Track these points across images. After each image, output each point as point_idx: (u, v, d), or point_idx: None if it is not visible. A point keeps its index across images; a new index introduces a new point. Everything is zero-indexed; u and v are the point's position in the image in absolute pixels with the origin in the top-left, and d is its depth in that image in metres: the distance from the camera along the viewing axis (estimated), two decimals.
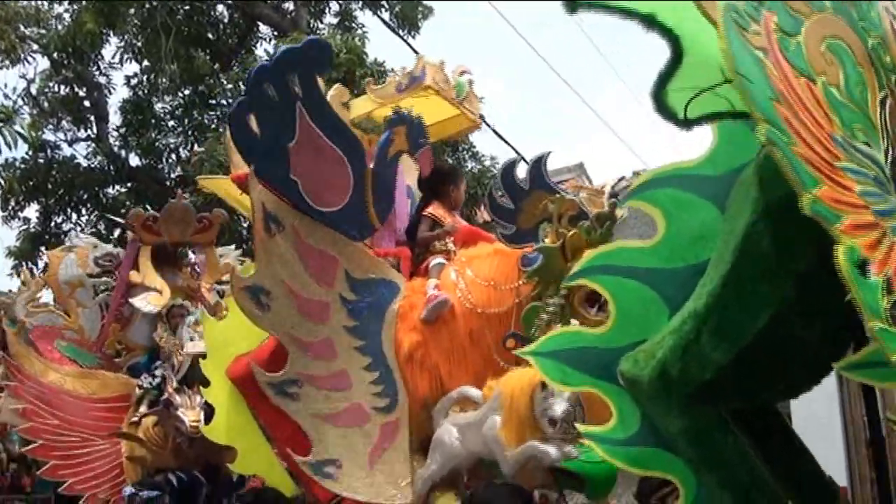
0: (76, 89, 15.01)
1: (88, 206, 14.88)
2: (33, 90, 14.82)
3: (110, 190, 15.10)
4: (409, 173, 4.77)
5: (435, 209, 4.45)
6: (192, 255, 7.10)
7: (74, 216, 15.01)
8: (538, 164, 4.72)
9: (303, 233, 3.77)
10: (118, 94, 15.40)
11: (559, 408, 3.08)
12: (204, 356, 5.64)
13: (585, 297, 3.55)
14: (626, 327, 2.77)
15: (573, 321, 3.66)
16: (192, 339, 5.79)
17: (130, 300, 6.41)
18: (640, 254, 2.78)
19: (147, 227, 6.37)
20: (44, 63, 14.75)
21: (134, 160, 15.05)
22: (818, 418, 8.08)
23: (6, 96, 14.29)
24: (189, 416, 5.35)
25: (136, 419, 5.85)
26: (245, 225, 14.01)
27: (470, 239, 4.39)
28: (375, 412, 3.77)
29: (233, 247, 7.80)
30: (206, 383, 5.61)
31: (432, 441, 3.65)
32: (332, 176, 3.80)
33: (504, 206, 4.78)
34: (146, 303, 6.33)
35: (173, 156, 14.90)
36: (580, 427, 2.83)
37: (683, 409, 2.53)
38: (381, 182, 3.97)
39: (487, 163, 13.98)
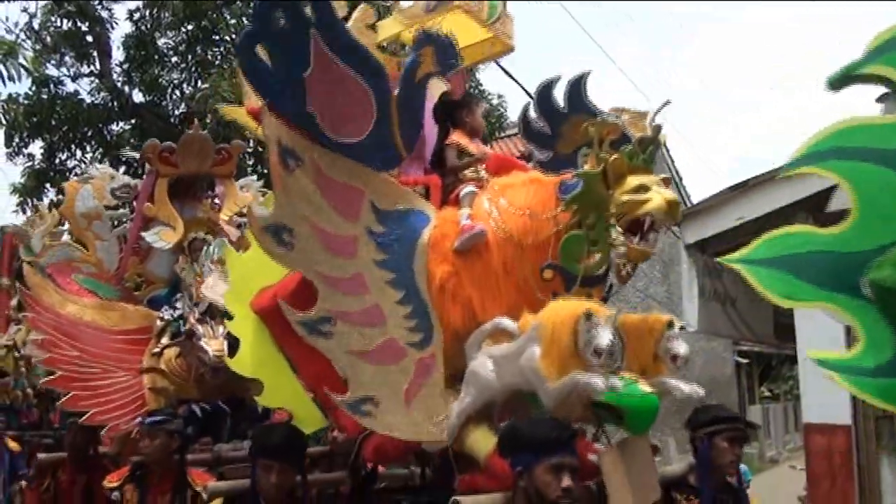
0: (78, 23, 14.61)
1: (93, 142, 14.64)
2: (35, 24, 14.49)
3: (114, 126, 14.86)
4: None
5: (458, 137, 4.18)
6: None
7: (79, 153, 14.81)
8: (577, 85, 4.31)
9: (323, 166, 3.49)
10: (121, 29, 15.10)
11: (604, 338, 2.87)
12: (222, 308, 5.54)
13: (628, 225, 3.29)
14: (873, 225, 2.22)
15: (612, 253, 3.42)
16: (212, 273, 5.63)
17: (143, 234, 6.26)
18: (888, 132, 2.20)
19: (164, 159, 6.11)
20: None
21: (137, 96, 14.81)
22: None
23: (8, 30, 14.04)
24: (212, 345, 5.22)
25: (157, 351, 5.72)
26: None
27: (502, 167, 4.10)
28: (410, 347, 3.55)
29: (254, 177, 7.61)
30: (230, 316, 5.51)
31: (466, 373, 3.45)
32: (353, 105, 3.50)
33: (540, 131, 4.42)
34: (158, 238, 6.14)
35: (177, 92, 14.61)
36: (812, 354, 2.39)
37: None
38: (408, 108, 3.64)
39: (495, 101, 13.75)
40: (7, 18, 17.73)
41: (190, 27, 14.20)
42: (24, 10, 14.58)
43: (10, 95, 14.16)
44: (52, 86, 14.53)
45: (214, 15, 13.98)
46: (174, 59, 14.62)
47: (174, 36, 14.56)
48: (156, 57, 14.45)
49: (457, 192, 3.97)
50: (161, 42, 14.65)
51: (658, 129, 3.40)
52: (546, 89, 4.39)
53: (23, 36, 14.29)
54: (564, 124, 4.27)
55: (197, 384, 5.51)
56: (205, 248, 5.97)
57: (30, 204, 14.25)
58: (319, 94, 3.40)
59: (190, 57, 14.35)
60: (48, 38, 14.67)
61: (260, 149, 13.54)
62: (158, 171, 6.12)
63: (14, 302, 7.71)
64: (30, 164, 14.84)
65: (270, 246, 3.39)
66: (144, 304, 6.23)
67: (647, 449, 3.07)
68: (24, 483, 7.05)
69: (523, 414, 3.36)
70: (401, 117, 3.59)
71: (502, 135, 14.05)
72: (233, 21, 14.07)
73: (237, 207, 6.40)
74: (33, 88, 14.27)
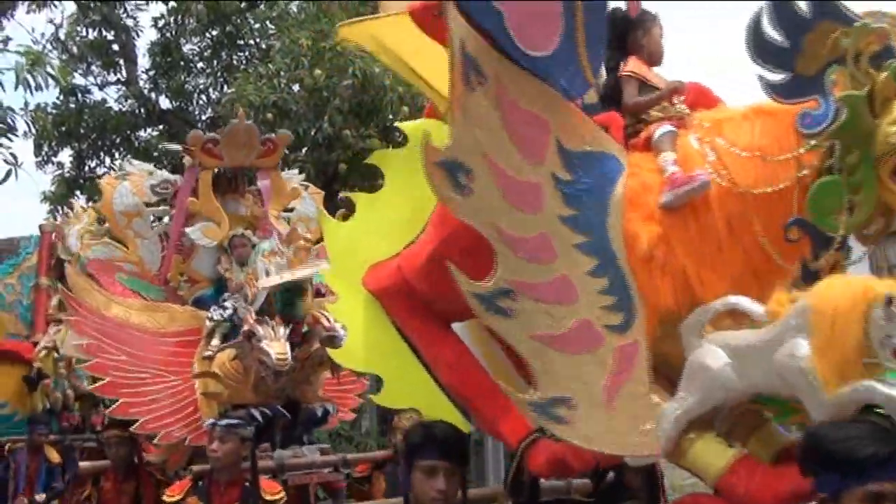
0: (104, 32, 14.33)
1: (121, 149, 14.32)
2: (61, 34, 14.22)
3: (142, 133, 14.57)
4: None
5: (636, 66, 3.15)
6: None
7: (108, 160, 14.46)
8: None
9: (508, 86, 2.62)
10: (146, 37, 14.78)
11: None
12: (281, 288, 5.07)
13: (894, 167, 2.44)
14: None
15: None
16: (267, 271, 5.17)
17: (186, 231, 5.80)
18: None
19: (207, 151, 5.67)
20: (70, 7, 14.15)
21: (164, 103, 14.47)
22: None
23: (35, 41, 13.73)
24: (274, 348, 4.73)
25: (209, 353, 5.24)
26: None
27: (703, 101, 3.13)
28: (608, 331, 2.65)
29: (296, 171, 7.15)
30: (292, 316, 5.02)
31: (687, 367, 2.55)
32: (540, 9, 2.64)
33: (774, 45, 2.98)
34: (201, 235, 5.73)
35: (203, 97, 14.30)
36: None
37: None
38: (594, 20, 2.73)
39: None
40: (33, 29, 17.36)
41: (214, 32, 13.87)
42: (51, 20, 14.25)
43: (38, 105, 13.78)
44: (79, 94, 14.26)
45: (238, 20, 13.65)
46: (199, 64, 14.30)
47: (199, 42, 14.24)
48: (181, 63, 14.12)
49: (646, 134, 3.04)
50: (186, 48, 14.32)
51: None
52: None
53: (49, 46, 14.05)
54: (808, 35, 2.94)
55: (255, 388, 5.02)
56: (254, 248, 5.55)
57: (60, 212, 13.93)
58: None
59: (215, 62, 14.03)
60: (74, 48, 14.39)
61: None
62: (202, 163, 5.65)
63: (54, 301, 7.27)
64: (59, 172, 14.58)
65: (444, 187, 2.57)
66: (190, 304, 5.77)
67: None
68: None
69: (748, 421, 2.54)
70: (587, 30, 2.72)
71: None
72: (257, 25, 13.77)
73: (286, 201, 5.92)
74: (61, 97, 13.97)
